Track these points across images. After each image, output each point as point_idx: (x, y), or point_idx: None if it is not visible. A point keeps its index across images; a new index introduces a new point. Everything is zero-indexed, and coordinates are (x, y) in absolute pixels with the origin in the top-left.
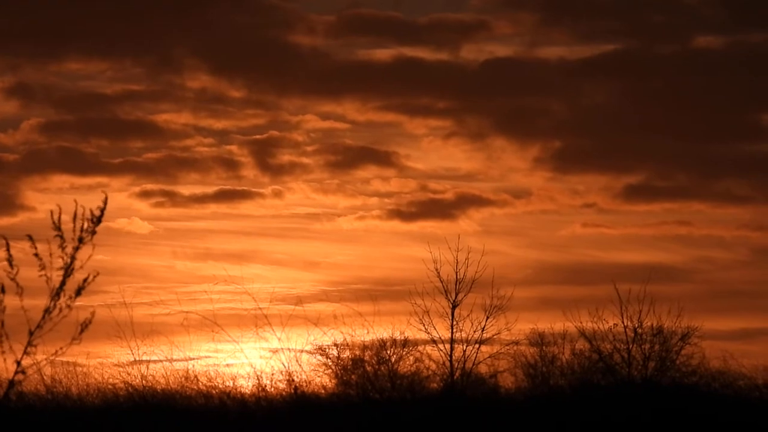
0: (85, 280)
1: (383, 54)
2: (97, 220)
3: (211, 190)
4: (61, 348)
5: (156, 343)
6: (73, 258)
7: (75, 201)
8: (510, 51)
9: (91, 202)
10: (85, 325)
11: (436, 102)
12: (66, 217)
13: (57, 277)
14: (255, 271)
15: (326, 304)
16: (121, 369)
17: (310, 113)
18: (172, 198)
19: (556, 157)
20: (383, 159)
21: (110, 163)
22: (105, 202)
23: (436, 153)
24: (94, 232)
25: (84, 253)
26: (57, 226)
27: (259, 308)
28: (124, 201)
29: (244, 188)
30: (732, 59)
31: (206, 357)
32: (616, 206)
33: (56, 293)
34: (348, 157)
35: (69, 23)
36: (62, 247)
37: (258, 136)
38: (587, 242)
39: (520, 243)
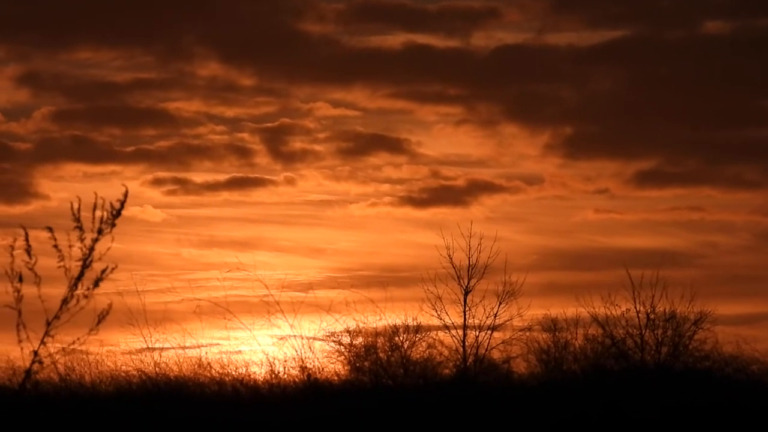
0: (103, 271)
1: (393, 41)
2: (117, 212)
3: (223, 177)
4: (78, 338)
5: (168, 330)
6: (92, 249)
7: (95, 193)
8: (520, 38)
9: (104, 189)
10: (102, 316)
11: (446, 89)
12: (81, 206)
13: (75, 267)
14: (260, 257)
15: (337, 291)
16: (133, 356)
17: (321, 101)
18: (185, 186)
19: (567, 144)
20: (394, 146)
21: (122, 151)
22: (125, 195)
23: (447, 140)
24: (113, 225)
25: (102, 244)
26: (77, 218)
27: (271, 295)
28: (137, 189)
29: (257, 176)
30: (741, 44)
31: (218, 344)
32: (627, 192)
33: (74, 284)
34: (359, 144)
35: (78, 12)
36: (81, 239)
37: (269, 124)
38: (599, 228)
39: (532, 229)
